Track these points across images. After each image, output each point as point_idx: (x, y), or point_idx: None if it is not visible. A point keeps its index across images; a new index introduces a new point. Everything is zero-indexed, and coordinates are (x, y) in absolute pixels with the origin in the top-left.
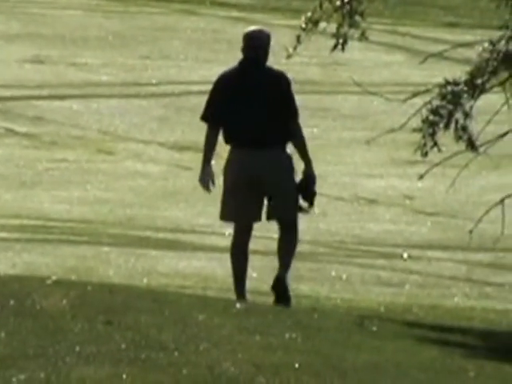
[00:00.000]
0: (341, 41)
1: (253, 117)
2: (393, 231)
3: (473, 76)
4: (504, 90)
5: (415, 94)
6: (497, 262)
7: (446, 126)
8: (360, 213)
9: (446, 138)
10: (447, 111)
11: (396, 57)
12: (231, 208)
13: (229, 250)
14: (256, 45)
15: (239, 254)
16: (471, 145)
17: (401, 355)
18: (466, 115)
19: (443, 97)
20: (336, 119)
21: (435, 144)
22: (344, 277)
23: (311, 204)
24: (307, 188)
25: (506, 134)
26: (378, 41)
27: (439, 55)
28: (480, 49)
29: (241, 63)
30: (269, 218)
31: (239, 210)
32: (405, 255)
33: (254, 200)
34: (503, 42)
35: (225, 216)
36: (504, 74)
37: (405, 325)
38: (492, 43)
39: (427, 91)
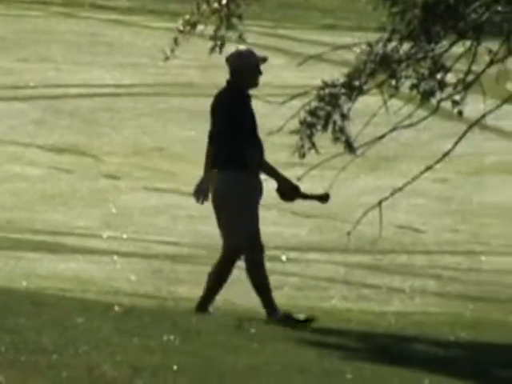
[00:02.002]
0: (219, 43)
1: None
2: (272, 233)
3: (351, 78)
4: (381, 93)
5: (294, 97)
6: (375, 264)
7: (324, 128)
8: None
9: (324, 140)
10: (325, 113)
11: (275, 59)
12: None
13: (109, 252)
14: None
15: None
16: (349, 147)
17: (279, 357)
18: (344, 117)
19: (321, 99)
20: None
21: (313, 146)
22: None
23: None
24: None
25: (383, 136)
26: (257, 43)
27: (318, 57)
28: (358, 51)
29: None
30: None
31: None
32: (283, 257)
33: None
34: (381, 45)
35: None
36: (381, 76)
37: (283, 327)
38: (370, 45)
39: (306, 93)
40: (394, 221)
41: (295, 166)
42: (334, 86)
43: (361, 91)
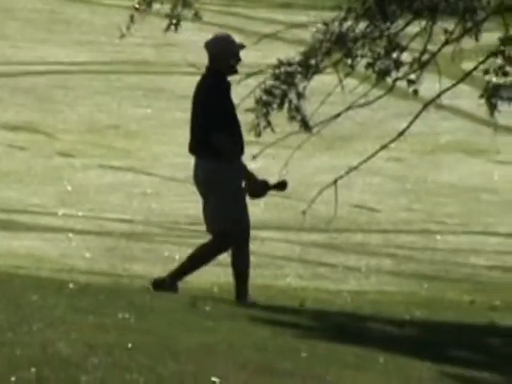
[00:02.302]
0: (174, 21)
1: None
2: None
3: (306, 57)
4: (337, 71)
5: (249, 75)
6: (330, 243)
7: (280, 107)
8: (193, 193)
9: (279, 118)
10: (281, 91)
11: None
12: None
13: (64, 230)
14: None
15: None
16: (304, 125)
17: (233, 335)
18: (300, 96)
19: (277, 77)
20: (170, 100)
21: (269, 124)
22: (177, 257)
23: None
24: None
25: (338, 115)
26: (212, 22)
27: (273, 36)
28: (313, 30)
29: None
30: None
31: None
32: None
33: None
34: (336, 23)
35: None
36: (337, 55)
37: (237, 305)
38: (325, 24)
39: (261, 72)
40: (350, 200)
41: (251, 145)
42: (289, 64)
43: (316, 70)
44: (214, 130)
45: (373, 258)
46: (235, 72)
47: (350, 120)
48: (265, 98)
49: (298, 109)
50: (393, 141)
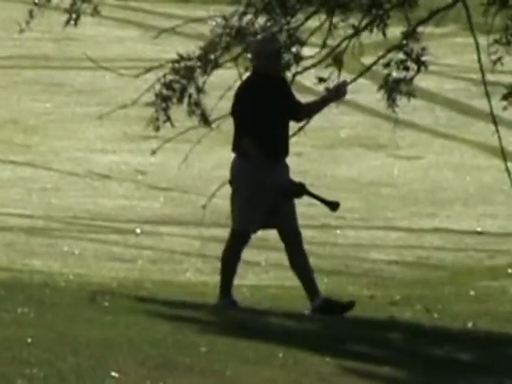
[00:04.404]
0: (74, 16)
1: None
2: (126, 206)
3: (206, 51)
4: (237, 66)
5: (148, 70)
6: None
7: (179, 101)
8: (93, 188)
9: (179, 113)
10: (180, 86)
11: (129, 32)
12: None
13: None
14: None
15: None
16: (204, 120)
17: (133, 330)
18: (199, 90)
19: (176, 72)
20: (69, 94)
21: (168, 118)
22: (77, 252)
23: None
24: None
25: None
26: (111, 16)
27: (172, 30)
28: (213, 24)
29: None
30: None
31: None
32: (137, 230)
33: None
34: (236, 18)
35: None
36: (237, 50)
37: (137, 300)
38: (225, 19)
39: (160, 66)
40: None
41: (150, 139)
42: (189, 59)
43: (216, 64)
44: (242, 133)
45: (272, 253)
46: (274, 72)
47: None
48: (164, 92)
49: (197, 103)
50: (293, 135)
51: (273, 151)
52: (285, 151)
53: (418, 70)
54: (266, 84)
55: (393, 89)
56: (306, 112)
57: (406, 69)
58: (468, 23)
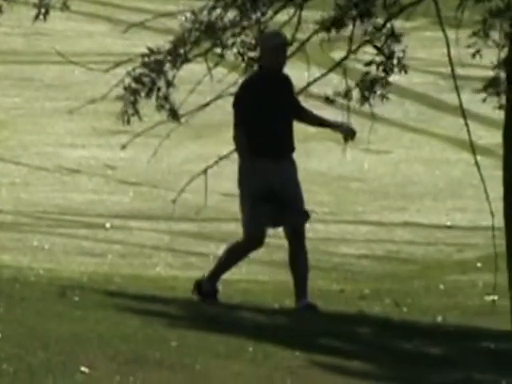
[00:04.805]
0: (43, 10)
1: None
2: (95, 201)
3: (175, 45)
4: (206, 60)
5: (118, 64)
6: (200, 232)
7: (148, 95)
8: (62, 183)
9: (148, 107)
10: (150, 80)
11: (98, 26)
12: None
13: None
14: None
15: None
16: (173, 114)
17: (103, 325)
18: (169, 84)
19: (146, 65)
20: (38, 89)
21: (137, 112)
22: (46, 247)
23: None
24: None
25: (207, 104)
26: (80, 10)
27: (141, 25)
28: (182, 19)
29: None
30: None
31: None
32: (107, 225)
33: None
34: (205, 12)
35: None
36: (206, 44)
37: (107, 295)
38: (194, 13)
39: (130, 61)
40: (219, 189)
41: (120, 134)
42: (159, 52)
43: (186, 59)
44: (235, 126)
45: None
46: (277, 67)
47: (219, 109)
48: (133, 85)
49: (166, 98)
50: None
51: (277, 148)
52: (289, 148)
53: (399, 71)
54: (269, 80)
55: (369, 88)
56: (307, 117)
57: (386, 71)
58: (437, 17)
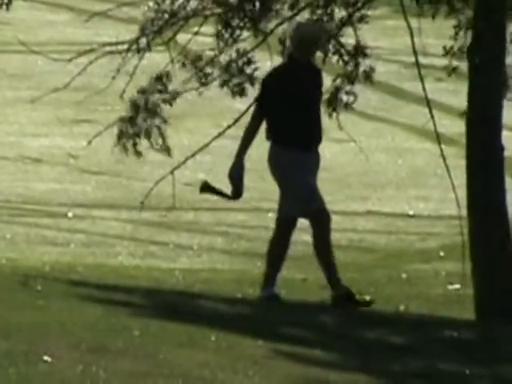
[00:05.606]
0: (6, 0)
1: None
2: (58, 190)
3: (138, 35)
4: (168, 50)
5: (80, 54)
6: (161, 221)
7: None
8: (25, 172)
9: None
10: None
11: (60, 16)
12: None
13: None
14: None
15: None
16: (167, 152)
17: (65, 314)
18: (165, 122)
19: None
20: (1, 78)
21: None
22: (8, 236)
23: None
24: None
25: (179, 94)
26: (42, 0)
27: (104, 14)
28: (145, 8)
29: None
30: None
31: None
32: (70, 214)
33: None
34: (168, 2)
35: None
36: (169, 34)
37: (70, 284)
38: (157, 3)
39: (92, 50)
40: (181, 178)
41: (82, 123)
42: (121, 42)
43: (148, 48)
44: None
45: (205, 237)
46: (301, 59)
47: (181, 98)
48: (130, 130)
49: (163, 136)
50: (235, 121)
51: (305, 139)
52: (319, 139)
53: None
54: (299, 71)
55: (335, 98)
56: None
57: (352, 82)
58: (400, 6)
